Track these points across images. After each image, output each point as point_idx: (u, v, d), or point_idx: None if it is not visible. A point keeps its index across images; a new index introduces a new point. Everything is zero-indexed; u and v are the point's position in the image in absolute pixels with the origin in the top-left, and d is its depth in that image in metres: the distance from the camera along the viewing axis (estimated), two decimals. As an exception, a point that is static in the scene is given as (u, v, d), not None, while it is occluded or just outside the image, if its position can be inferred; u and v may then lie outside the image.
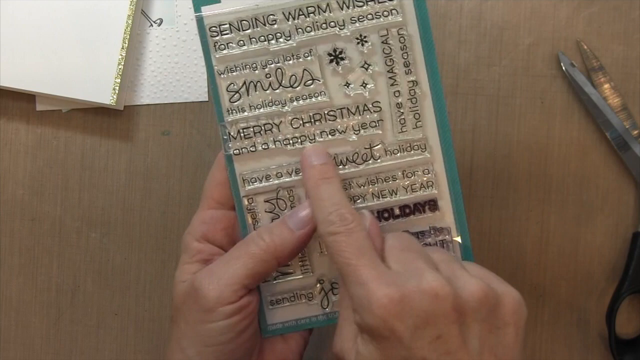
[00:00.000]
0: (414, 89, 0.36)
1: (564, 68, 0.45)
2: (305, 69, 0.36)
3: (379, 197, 0.36)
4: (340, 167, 0.36)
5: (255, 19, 0.35)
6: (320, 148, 0.36)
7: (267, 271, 0.35)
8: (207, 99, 0.46)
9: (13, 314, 0.48)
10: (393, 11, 0.35)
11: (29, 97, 0.47)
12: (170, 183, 0.47)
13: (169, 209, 0.47)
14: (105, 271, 0.47)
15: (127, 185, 0.47)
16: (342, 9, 0.35)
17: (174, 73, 0.46)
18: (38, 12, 0.45)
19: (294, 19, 0.35)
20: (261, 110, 0.36)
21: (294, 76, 0.36)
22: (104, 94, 0.45)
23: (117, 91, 0.45)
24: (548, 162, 0.46)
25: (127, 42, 0.45)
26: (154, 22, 0.47)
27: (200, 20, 0.35)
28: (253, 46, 0.35)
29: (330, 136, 0.36)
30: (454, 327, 0.29)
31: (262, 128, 0.36)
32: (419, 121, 0.36)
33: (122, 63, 0.45)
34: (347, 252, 0.31)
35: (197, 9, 0.36)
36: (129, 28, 0.45)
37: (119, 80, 0.45)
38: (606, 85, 0.45)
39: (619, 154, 0.45)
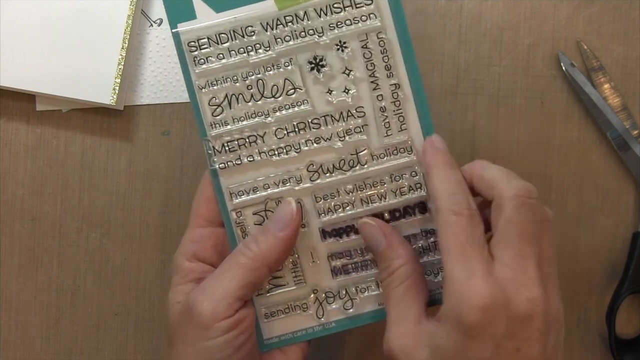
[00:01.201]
0: (396, 92, 0.36)
1: (564, 68, 0.45)
2: (286, 79, 0.35)
3: (368, 203, 0.36)
4: (327, 174, 0.36)
5: (234, 31, 0.35)
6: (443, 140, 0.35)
7: (260, 280, 0.35)
8: None
9: (13, 314, 0.48)
10: (371, 15, 0.35)
11: (29, 97, 0.47)
12: (170, 183, 0.47)
13: (169, 209, 0.47)
14: (105, 271, 0.47)
15: (127, 185, 0.47)
16: (320, 17, 0.35)
17: (174, 73, 0.46)
18: (38, 12, 0.45)
19: (272, 29, 0.35)
20: (244, 122, 0.35)
21: (275, 86, 0.35)
22: (104, 94, 0.45)
23: (117, 91, 0.45)
24: (548, 162, 0.46)
25: (127, 42, 0.45)
26: (154, 22, 0.47)
27: (176, 36, 0.35)
28: (233, 59, 0.35)
29: (315, 144, 0.36)
30: (534, 344, 0.29)
31: (247, 140, 0.36)
32: (404, 124, 0.36)
33: (122, 63, 0.45)
34: (463, 236, 0.30)
35: (173, 25, 0.35)
36: (129, 28, 0.45)
37: (119, 80, 0.45)
38: (606, 85, 0.45)
39: (619, 154, 0.45)
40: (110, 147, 0.47)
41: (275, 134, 0.36)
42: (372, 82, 0.36)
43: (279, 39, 0.35)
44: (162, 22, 0.46)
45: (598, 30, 0.46)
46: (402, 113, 0.36)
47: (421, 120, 0.36)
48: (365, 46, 0.35)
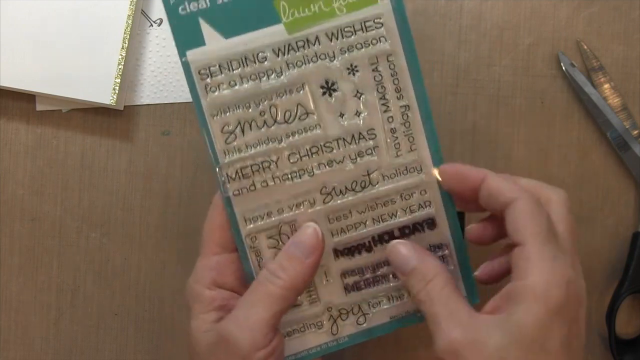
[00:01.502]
0: (406, 114, 0.36)
1: (564, 68, 0.45)
2: (298, 104, 0.35)
3: (379, 222, 0.36)
4: (340, 196, 0.36)
5: (245, 57, 0.35)
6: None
7: (289, 306, 0.35)
8: None
9: (13, 314, 0.48)
10: (381, 39, 0.35)
11: (29, 97, 0.47)
12: (170, 183, 0.47)
13: (169, 209, 0.47)
14: (105, 271, 0.47)
15: (127, 185, 0.47)
16: (331, 41, 0.35)
17: (174, 73, 0.46)
18: (38, 12, 0.45)
19: (284, 54, 0.35)
20: (258, 148, 0.35)
21: (288, 112, 0.35)
22: (104, 94, 0.45)
23: (117, 91, 0.45)
24: (548, 162, 0.46)
25: (127, 42, 0.45)
26: (154, 22, 0.47)
27: (186, 65, 0.35)
28: (244, 85, 0.35)
29: (328, 167, 0.36)
30: (583, 326, 0.32)
31: (260, 166, 0.35)
32: (413, 144, 0.36)
33: (122, 63, 0.45)
34: (544, 224, 0.32)
35: (182, 53, 0.35)
36: (129, 28, 0.45)
37: (119, 80, 0.45)
38: (606, 85, 0.45)
39: (619, 154, 0.45)
40: (110, 147, 0.47)
41: (289, 159, 0.36)
42: (382, 104, 0.36)
43: (290, 64, 0.35)
44: (162, 22, 0.46)
45: (598, 30, 0.46)
46: (412, 134, 0.36)
47: (428, 139, 0.36)
48: (375, 69, 0.35)
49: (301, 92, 0.35)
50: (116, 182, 0.47)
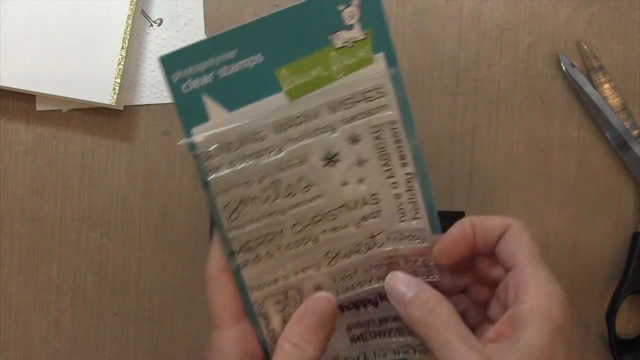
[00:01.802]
0: (411, 181, 0.35)
1: (564, 68, 0.45)
2: (300, 177, 0.35)
3: (384, 280, 0.36)
4: (345, 258, 0.36)
5: (246, 137, 0.35)
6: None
7: None
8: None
9: (13, 314, 0.48)
10: (384, 107, 0.35)
11: (29, 97, 0.47)
12: (170, 183, 0.47)
13: (169, 209, 0.47)
14: (105, 271, 0.47)
15: (127, 185, 0.47)
16: (330, 114, 0.35)
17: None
18: (38, 12, 0.45)
19: (284, 131, 0.35)
20: (262, 222, 0.35)
21: (290, 186, 0.35)
22: (104, 94, 0.45)
23: (117, 91, 0.45)
24: (548, 162, 0.46)
25: (127, 42, 0.45)
26: (154, 22, 0.47)
27: (192, 145, 0.34)
28: (246, 163, 0.35)
29: (332, 233, 0.35)
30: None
31: (264, 239, 0.35)
32: (417, 212, 0.36)
33: (122, 63, 0.45)
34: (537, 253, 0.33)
35: (187, 132, 0.34)
36: (129, 28, 0.45)
37: (119, 80, 0.45)
38: (606, 85, 0.45)
39: (619, 154, 0.45)
40: (110, 147, 0.47)
41: (292, 229, 0.35)
42: (386, 170, 0.35)
43: (290, 140, 0.35)
44: (162, 22, 0.46)
45: (598, 30, 0.46)
46: (416, 200, 0.36)
47: (427, 209, 0.36)
48: (378, 137, 0.35)
49: (303, 165, 0.35)
50: (116, 182, 0.47)
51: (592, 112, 0.45)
